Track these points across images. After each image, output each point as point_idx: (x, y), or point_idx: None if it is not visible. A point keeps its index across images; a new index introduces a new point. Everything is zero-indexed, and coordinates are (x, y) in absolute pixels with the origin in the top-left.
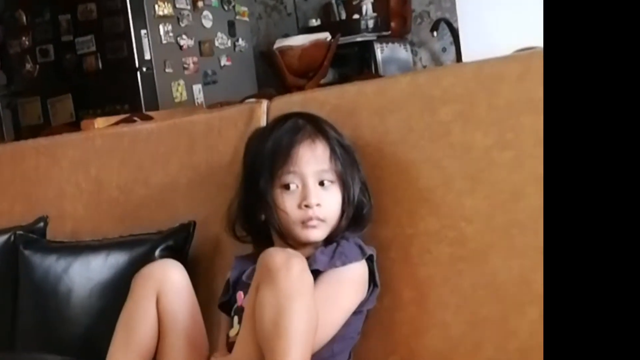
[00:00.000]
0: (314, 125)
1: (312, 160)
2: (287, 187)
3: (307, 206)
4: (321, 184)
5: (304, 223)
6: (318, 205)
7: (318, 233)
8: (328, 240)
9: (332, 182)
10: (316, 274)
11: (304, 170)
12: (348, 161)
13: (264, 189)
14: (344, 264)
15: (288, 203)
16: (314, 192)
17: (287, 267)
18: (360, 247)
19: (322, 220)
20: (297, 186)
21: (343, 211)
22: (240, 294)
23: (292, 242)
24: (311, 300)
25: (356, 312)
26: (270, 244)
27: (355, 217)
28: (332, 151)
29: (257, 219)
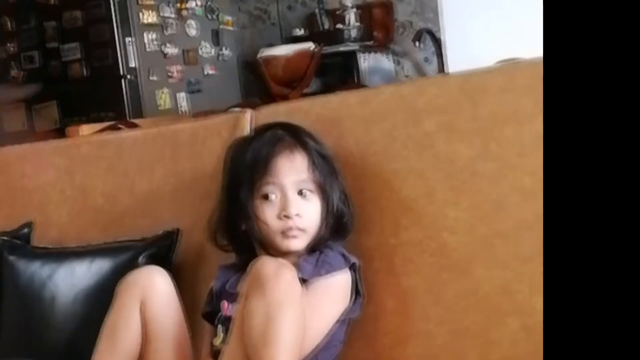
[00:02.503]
0: (293, 136)
1: (291, 171)
2: (266, 197)
3: (286, 216)
4: (300, 193)
5: (284, 233)
6: (297, 215)
7: (298, 243)
8: (312, 249)
9: (311, 191)
10: (301, 282)
11: (283, 181)
12: (327, 171)
13: (244, 200)
14: (328, 272)
15: (268, 214)
16: (293, 203)
17: (277, 276)
18: (344, 256)
19: (302, 230)
20: (277, 197)
21: (324, 220)
22: (224, 303)
23: (273, 251)
24: (300, 310)
25: (340, 321)
26: (253, 253)
27: (337, 226)
28: (311, 161)
29: (238, 229)
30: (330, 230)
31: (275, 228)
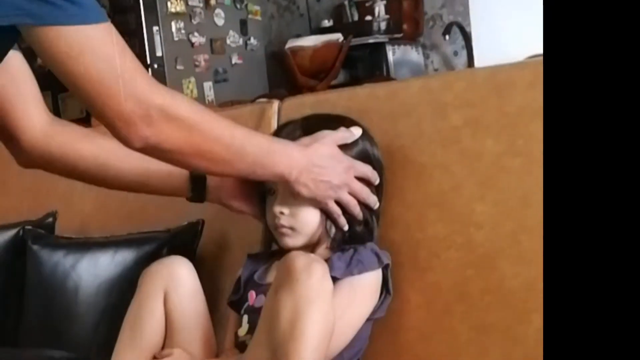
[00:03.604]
0: (307, 132)
1: None
2: (270, 190)
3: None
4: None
5: (276, 230)
6: (282, 213)
7: (290, 240)
8: (344, 245)
9: None
10: (332, 280)
11: None
12: None
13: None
14: (360, 272)
15: (268, 208)
16: (280, 200)
17: (308, 271)
18: (377, 255)
19: (291, 229)
20: (278, 191)
21: (326, 221)
22: (252, 293)
23: (278, 245)
24: (329, 307)
25: (367, 319)
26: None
27: (351, 230)
28: None
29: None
30: (343, 231)
31: (270, 223)
